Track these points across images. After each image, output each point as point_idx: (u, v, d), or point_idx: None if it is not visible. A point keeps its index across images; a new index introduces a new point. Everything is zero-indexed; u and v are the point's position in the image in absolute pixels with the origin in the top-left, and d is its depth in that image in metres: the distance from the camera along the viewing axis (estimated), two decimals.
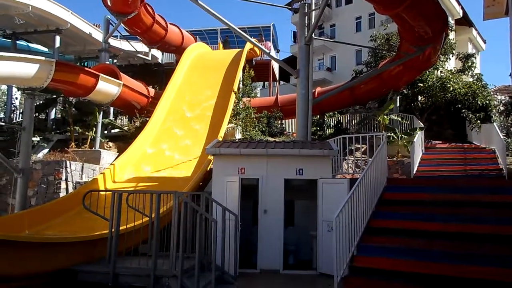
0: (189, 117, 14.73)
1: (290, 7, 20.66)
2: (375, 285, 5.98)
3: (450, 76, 18.06)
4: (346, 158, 11.99)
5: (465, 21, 30.76)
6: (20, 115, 19.00)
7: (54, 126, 15.43)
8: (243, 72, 17.20)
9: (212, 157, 9.56)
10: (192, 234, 6.19)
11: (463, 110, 17.23)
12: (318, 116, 17.66)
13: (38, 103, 15.28)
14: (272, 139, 14.26)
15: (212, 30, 28.59)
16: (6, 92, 19.61)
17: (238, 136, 14.40)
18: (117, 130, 16.18)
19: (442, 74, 18.67)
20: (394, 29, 17.45)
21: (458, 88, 17.38)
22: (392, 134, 14.19)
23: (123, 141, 14.81)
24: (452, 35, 19.97)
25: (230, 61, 18.64)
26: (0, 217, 9.29)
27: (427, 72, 17.57)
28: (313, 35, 12.55)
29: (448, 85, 17.35)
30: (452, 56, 20.26)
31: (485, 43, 36.05)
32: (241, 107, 15.05)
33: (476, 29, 33.05)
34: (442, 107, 18.38)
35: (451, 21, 24.37)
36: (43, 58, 10.91)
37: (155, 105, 15.00)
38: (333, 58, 34.39)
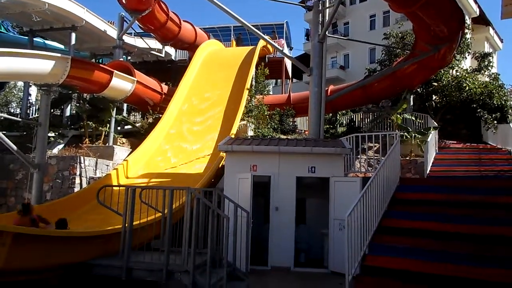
0: (201, 113, 14.80)
1: (304, 5, 20.62)
2: (387, 284, 5.94)
3: (466, 76, 17.78)
4: (359, 156, 11.91)
5: (482, 20, 30.24)
6: (36, 111, 19.31)
7: (69, 122, 15.66)
8: (256, 69, 17.19)
9: (224, 154, 9.60)
10: (204, 230, 6.23)
11: (479, 110, 16.95)
12: (331, 114, 17.58)
13: (53, 99, 15.53)
14: (284, 137, 14.25)
15: (225, 27, 28.60)
16: (23, 89, 19.94)
17: (250, 133, 14.42)
18: (129, 126, 16.33)
19: (457, 73, 18.40)
20: (409, 27, 17.25)
21: (474, 87, 17.10)
22: (406, 133, 14.06)
23: (136, 137, 14.96)
24: (468, 34, 19.62)
25: (243, 59, 18.66)
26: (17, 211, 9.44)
27: (442, 71, 17.33)
28: (326, 33, 12.48)
29: (464, 85, 17.09)
30: (468, 55, 19.93)
31: (502, 42, 35.39)
32: (253, 104, 15.06)
33: (493, 28, 32.46)
34: (457, 106, 18.10)
35: (468, 20, 23.98)
36: (59, 55, 11.06)
37: (168, 102, 15.11)
38: (347, 56, 34.16)
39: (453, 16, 11.64)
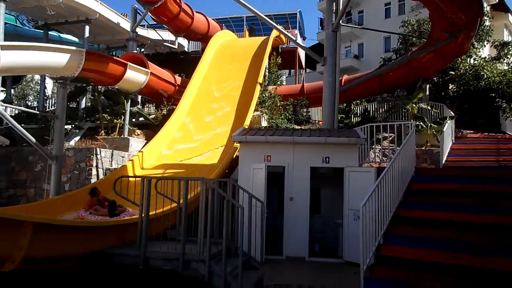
0: (215, 105, 14.84)
1: None
2: (401, 274, 5.92)
3: (484, 64, 17.38)
4: (373, 146, 11.82)
5: (501, 7, 29.40)
6: (53, 104, 19.63)
7: (84, 115, 15.88)
8: (269, 59, 17.10)
9: (239, 144, 9.63)
10: (219, 221, 6.29)
11: (497, 99, 16.60)
12: (345, 104, 17.43)
13: (70, 91, 15.76)
14: (298, 127, 14.21)
15: (237, 17, 28.49)
16: (39, 82, 20.26)
17: (264, 124, 14.42)
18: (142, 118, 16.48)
19: (475, 62, 18.00)
20: (425, 15, 16.90)
21: (492, 76, 16.72)
22: (421, 123, 13.87)
23: (150, 128, 15.10)
24: (487, 21, 19.11)
25: (256, 49, 18.58)
26: (37, 202, 9.69)
27: (459, 59, 16.98)
28: (340, 21, 12.32)
29: (482, 73, 16.72)
30: (487, 44, 19.45)
31: None
32: (267, 95, 15.03)
33: None
34: (474, 95, 17.74)
35: (487, 7, 23.35)
36: (74, 48, 11.19)
37: (181, 93, 15.18)
38: (361, 46, 33.68)
39: (472, 3, 11.36)
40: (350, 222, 8.28)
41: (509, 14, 30.86)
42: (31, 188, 12.01)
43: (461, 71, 17.32)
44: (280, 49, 23.11)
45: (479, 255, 5.82)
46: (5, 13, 14.50)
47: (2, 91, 18.80)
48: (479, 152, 12.56)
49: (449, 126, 13.08)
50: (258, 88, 14.78)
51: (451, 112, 15.49)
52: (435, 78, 17.62)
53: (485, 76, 16.76)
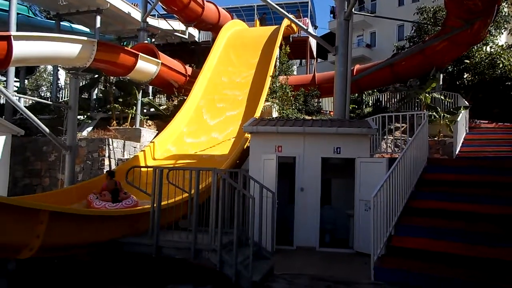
0: (226, 95, 14.83)
1: None
2: (412, 265, 5.91)
3: (501, 52, 16.98)
4: (385, 137, 11.71)
5: None
6: (66, 95, 19.83)
7: (96, 105, 16.02)
8: (280, 49, 16.97)
9: (249, 135, 9.63)
10: (230, 211, 6.33)
11: None
12: (356, 94, 17.26)
13: (83, 84, 15.90)
14: (309, 117, 14.13)
15: (248, 6, 28.26)
16: (52, 73, 20.45)
17: (275, 114, 14.37)
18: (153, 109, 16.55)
19: (492, 50, 17.60)
20: (441, 2, 16.55)
21: (508, 64, 16.35)
22: (434, 113, 13.67)
23: (162, 119, 15.17)
24: (506, 8, 18.63)
25: (267, 38, 18.44)
26: (52, 191, 9.85)
27: (475, 47, 16.63)
28: (353, 10, 12.14)
29: (498, 62, 16.35)
30: (505, 31, 18.98)
31: None
32: (278, 85, 14.95)
33: None
34: (490, 85, 17.39)
35: None
36: (85, 38, 11.23)
37: (192, 84, 15.19)
38: (373, 34, 33.25)
39: None
40: (361, 213, 8.26)
41: None
42: (46, 177, 12.22)
43: (477, 59, 16.97)
44: (291, 38, 22.91)
45: (492, 246, 5.78)
46: (18, 4, 14.60)
47: (16, 81, 19.04)
48: (494, 143, 12.36)
49: (463, 116, 12.88)
50: (269, 78, 14.71)
51: (466, 101, 15.22)
52: (449, 67, 17.30)
53: (502, 64, 16.39)
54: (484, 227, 6.32)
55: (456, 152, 11.36)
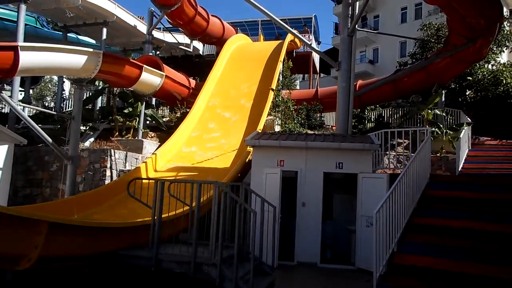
0: (228, 108, 14.87)
1: None
2: (415, 283, 5.82)
3: (504, 69, 17.06)
4: (388, 153, 11.68)
5: None
6: (70, 105, 19.93)
7: (100, 116, 16.09)
8: (283, 64, 17.09)
9: (251, 148, 9.62)
10: (231, 224, 6.29)
11: None
12: (359, 110, 17.31)
13: (88, 95, 16.00)
14: (312, 132, 14.14)
15: (253, 21, 28.59)
16: (57, 83, 20.61)
17: (277, 128, 14.39)
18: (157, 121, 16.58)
19: (494, 67, 17.69)
20: (444, 19, 16.71)
21: (511, 82, 16.41)
22: (436, 129, 13.67)
23: (164, 131, 15.20)
24: (507, 26, 18.79)
25: (271, 53, 18.59)
26: (52, 202, 9.83)
27: (477, 65, 16.71)
28: (356, 26, 12.25)
29: (501, 79, 16.41)
30: (506, 49, 19.11)
31: None
32: (280, 99, 15.01)
33: None
34: (492, 101, 17.42)
35: (506, 11, 22.95)
36: (91, 49, 11.33)
37: (196, 96, 15.26)
38: (376, 51, 33.47)
39: (490, 7, 11.17)
40: (363, 228, 8.20)
41: None
42: (47, 187, 12.19)
43: (479, 76, 17.04)
44: (294, 53, 23.08)
45: (497, 265, 5.70)
46: (26, 15, 14.80)
47: (21, 91, 19.16)
48: (497, 160, 12.29)
49: (465, 133, 12.86)
50: (271, 92, 14.78)
51: (468, 118, 15.22)
52: (452, 84, 17.36)
53: (504, 81, 16.45)
54: (487, 245, 6.25)
55: (459, 169, 11.30)
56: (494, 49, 17.82)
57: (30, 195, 12.17)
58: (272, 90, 14.85)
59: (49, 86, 29.02)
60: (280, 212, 8.25)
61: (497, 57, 18.45)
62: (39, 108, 17.47)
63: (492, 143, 14.96)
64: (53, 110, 17.47)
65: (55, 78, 24.95)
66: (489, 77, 16.87)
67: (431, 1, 11.58)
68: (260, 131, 11.27)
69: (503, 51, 19.07)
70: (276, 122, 14.61)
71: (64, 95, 21.09)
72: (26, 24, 14.97)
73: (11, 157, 11.12)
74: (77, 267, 6.52)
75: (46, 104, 25.30)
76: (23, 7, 13.87)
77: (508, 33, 18.67)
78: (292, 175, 8.95)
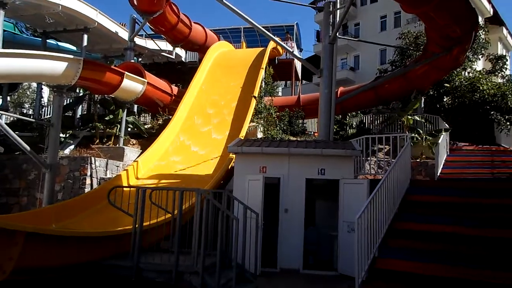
0: (211, 115, 14.84)
1: (314, 6, 20.56)
2: None
3: (480, 77, 17.57)
4: (369, 158, 11.83)
5: (495, 20, 29.87)
6: (48, 112, 19.55)
7: (80, 123, 15.83)
8: (265, 71, 17.19)
9: (234, 155, 9.61)
10: (214, 232, 6.25)
11: (492, 112, 16.73)
12: (340, 116, 17.52)
13: (67, 102, 15.72)
14: (294, 139, 14.22)
15: (235, 28, 28.70)
16: (36, 90, 20.21)
17: (260, 135, 14.42)
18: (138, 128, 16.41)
19: (470, 75, 18.20)
20: (422, 28, 17.13)
21: (487, 89, 16.89)
22: (416, 135, 13.93)
23: (146, 138, 15.05)
24: (482, 35, 19.40)
25: (253, 60, 18.67)
26: (29, 211, 9.59)
27: (455, 72, 17.15)
28: (337, 34, 12.43)
29: (478, 85, 16.90)
30: (482, 57, 19.69)
31: None
32: (263, 106, 15.06)
33: (507, 28, 32.06)
34: (469, 108, 17.89)
35: (482, 20, 23.70)
36: (71, 56, 11.18)
37: (178, 103, 15.18)
38: (357, 58, 33.99)
39: (466, 16, 11.51)
40: (344, 234, 8.24)
41: (503, 28, 31.34)
42: (24, 196, 11.89)
43: (456, 83, 17.48)
44: (277, 60, 23.26)
45: (475, 268, 5.81)
46: (4, 21, 14.51)
47: None
48: (474, 165, 12.61)
49: (444, 138, 13.14)
50: (254, 99, 14.82)
51: (446, 124, 15.58)
52: (430, 91, 17.76)
53: (481, 88, 16.92)
54: (466, 249, 6.38)
55: (438, 174, 11.53)
56: (470, 56, 18.32)
57: (6, 204, 11.84)
58: (255, 97, 14.89)
59: (28, 93, 28.42)
60: (263, 219, 8.23)
61: (473, 65, 18.98)
62: (17, 116, 17.12)
63: (469, 148, 15.35)
64: (32, 117, 17.11)
65: (34, 84, 24.47)
66: (466, 84, 17.32)
67: (408, 10, 11.86)
68: (242, 138, 11.27)
69: (479, 59, 19.64)
70: (259, 129, 14.64)
71: (43, 102, 20.67)
72: (4, 30, 14.69)
73: None
74: (56, 279, 6.35)
75: (24, 111, 24.76)
76: (1, 12, 13.63)
77: (483, 41, 19.25)
78: (274, 181, 8.96)
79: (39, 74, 10.26)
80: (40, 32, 17.72)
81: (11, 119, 18.09)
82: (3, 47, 12.88)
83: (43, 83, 15.98)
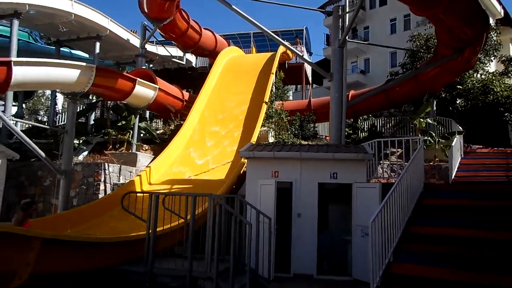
0: (222, 120, 14.91)
1: (323, 10, 20.57)
2: None
3: (493, 78, 17.34)
4: (381, 162, 11.74)
5: (506, 21, 29.48)
6: (63, 119, 19.84)
7: (93, 130, 16.03)
8: (275, 75, 17.22)
9: (246, 160, 9.63)
10: (227, 237, 6.26)
11: (506, 114, 16.48)
12: (352, 119, 17.44)
13: (81, 108, 15.94)
14: (305, 143, 14.19)
15: (245, 34, 28.84)
16: (50, 97, 20.54)
17: (271, 139, 14.42)
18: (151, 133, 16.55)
19: (483, 77, 17.98)
20: (432, 30, 17.00)
21: (500, 91, 16.66)
22: (429, 138, 13.79)
23: (158, 144, 15.17)
24: (494, 36, 19.17)
25: (263, 65, 18.73)
26: (45, 217, 9.73)
27: (467, 74, 16.96)
28: (346, 37, 12.40)
29: (491, 87, 16.68)
30: (494, 59, 19.45)
31: None
32: (274, 110, 15.08)
33: None
34: (482, 110, 17.65)
35: (493, 22, 23.42)
36: (84, 64, 11.36)
37: (189, 109, 15.28)
38: (367, 61, 33.85)
39: (476, 18, 11.39)
40: (358, 238, 8.18)
41: None
42: (40, 202, 12.06)
43: (469, 85, 17.28)
44: (286, 64, 23.27)
45: (492, 273, 5.71)
46: (19, 30, 14.82)
47: (14, 105, 19.10)
48: (489, 167, 12.41)
49: (457, 141, 12.98)
50: (264, 105, 14.85)
51: (459, 127, 15.38)
52: (442, 93, 17.58)
53: (494, 90, 16.70)
54: (483, 253, 6.28)
55: (452, 177, 11.37)
56: (482, 58, 18.12)
57: None
58: (266, 103, 14.92)
59: (42, 100, 28.90)
60: (276, 224, 8.22)
61: (486, 67, 18.76)
62: (32, 123, 17.40)
63: (483, 151, 15.12)
64: (46, 124, 17.39)
65: (48, 92, 24.88)
66: (478, 86, 17.11)
67: (418, 13, 11.79)
68: (254, 143, 11.29)
69: (491, 61, 19.39)
70: (270, 133, 14.65)
71: (57, 109, 21.02)
72: (19, 39, 14.98)
73: (4, 172, 11.03)
74: (70, 285, 6.43)
75: (39, 118, 25.16)
76: (16, 22, 13.92)
77: (495, 42, 19.01)
78: (287, 186, 8.94)
79: (53, 81, 10.44)
80: (53, 40, 18.05)
81: (27, 126, 18.40)
82: (18, 56, 13.14)
83: (58, 90, 16.22)
